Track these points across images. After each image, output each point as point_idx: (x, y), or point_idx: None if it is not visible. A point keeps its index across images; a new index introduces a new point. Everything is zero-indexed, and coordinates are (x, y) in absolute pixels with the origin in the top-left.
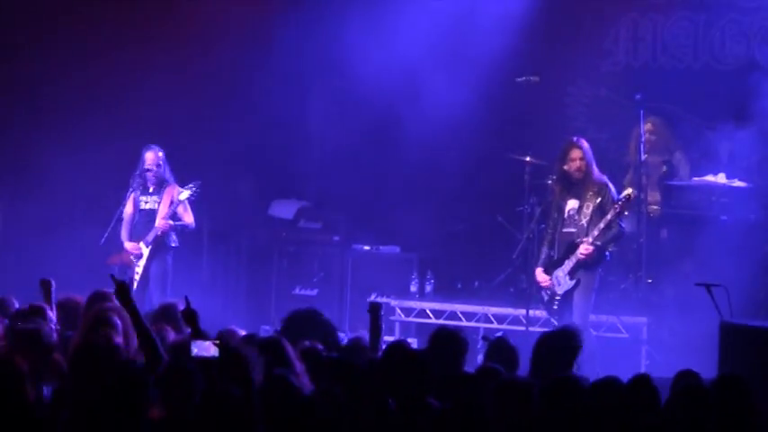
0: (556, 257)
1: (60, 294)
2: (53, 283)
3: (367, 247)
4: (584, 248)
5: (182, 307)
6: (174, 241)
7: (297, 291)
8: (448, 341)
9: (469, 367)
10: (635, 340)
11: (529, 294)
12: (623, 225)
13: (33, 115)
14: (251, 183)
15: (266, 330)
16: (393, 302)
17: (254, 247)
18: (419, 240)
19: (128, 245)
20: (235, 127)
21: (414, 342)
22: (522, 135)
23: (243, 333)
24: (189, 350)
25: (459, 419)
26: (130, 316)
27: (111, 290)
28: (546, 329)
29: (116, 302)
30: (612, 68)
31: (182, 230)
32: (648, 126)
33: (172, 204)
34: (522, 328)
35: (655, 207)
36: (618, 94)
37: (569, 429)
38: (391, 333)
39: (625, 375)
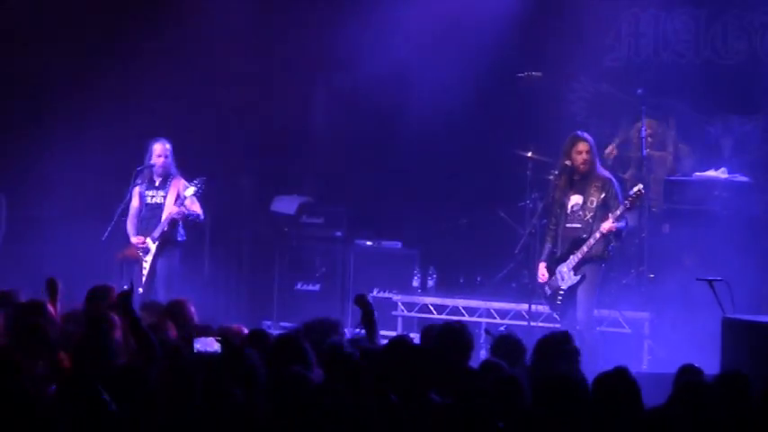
0: (559, 253)
1: (64, 291)
2: (59, 282)
3: (369, 243)
4: (607, 225)
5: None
6: (181, 236)
7: (299, 286)
8: (454, 337)
9: (473, 361)
10: (637, 335)
11: (531, 289)
12: (625, 223)
13: (35, 113)
14: (253, 178)
15: (268, 326)
16: (395, 297)
17: (256, 243)
18: (421, 235)
19: (134, 239)
20: (236, 123)
21: (416, 337)
22: (524, 130)
23: (245, 331)
24: (184, 350)
25: (461, 414)
26: (130, 326)
27: (112, 284)
28: (549, 325)
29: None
30: (614, 63)
31: (194, 221)
32: (647, 130)
33: (178, 198)
34: (525, 323)
35: (657, 202)
36: (620, 90)
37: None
38: (393, 328)
39: None
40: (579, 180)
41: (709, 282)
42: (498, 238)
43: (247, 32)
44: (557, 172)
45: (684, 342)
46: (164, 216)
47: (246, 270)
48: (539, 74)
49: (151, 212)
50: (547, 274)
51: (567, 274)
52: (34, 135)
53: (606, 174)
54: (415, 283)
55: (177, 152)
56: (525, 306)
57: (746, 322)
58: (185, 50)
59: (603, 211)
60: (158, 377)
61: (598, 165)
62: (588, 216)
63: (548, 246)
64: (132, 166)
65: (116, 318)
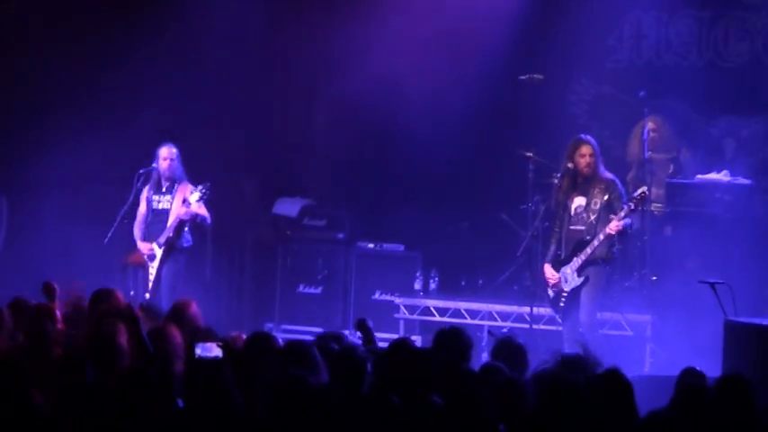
0: (563, 255)
1: (64, 293)
2: (56, 286)
3: (371, 245)
4: (615, 225)
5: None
6: (187, 241)
7: (301, 289)
8: (453, 339)
9: (475, 364)
10: (639, 338)
11: (533, 292)
12: (631, 221)
13: (36, 114)
14: (255, 181)
15: (269, 328)
16: (397, 300)
17: (258, 245)
18: (423, 238)
19: (141, 245)
20: (238, 125)
21: (418, 340)
22: (526, 133)
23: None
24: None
25: (461, 417)
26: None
27: (114, 287)
28: (551, 327)
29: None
30: (616, 66)
31: (201, 223)
32: (651, 125)
33: (185, 203)
34: (527, 326)
35: (659, 205)
36: (622, 92)
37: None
38: (395, 331)
39: (629, 373)
40: (583, 182)
41: (712, 284)
42: (500, 240)
43: (250, 35)
44: (559, 174)
45: (686, 345)
46: (170, 221)
47: (248, 272)
48: (540, 76)
49: (157, 217)
50: (556, 275)
51: (570, 276)
52: (35, 137)
53: (610, 175)
54: (417, 285)
55: (180, 154)
56: (527, 309)
57: (748, 325)
58: (187, 53)
59: (607, 212)
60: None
61: (601, 167)
62: (592, 218)
63: (552, 248)
64: (134, 168)
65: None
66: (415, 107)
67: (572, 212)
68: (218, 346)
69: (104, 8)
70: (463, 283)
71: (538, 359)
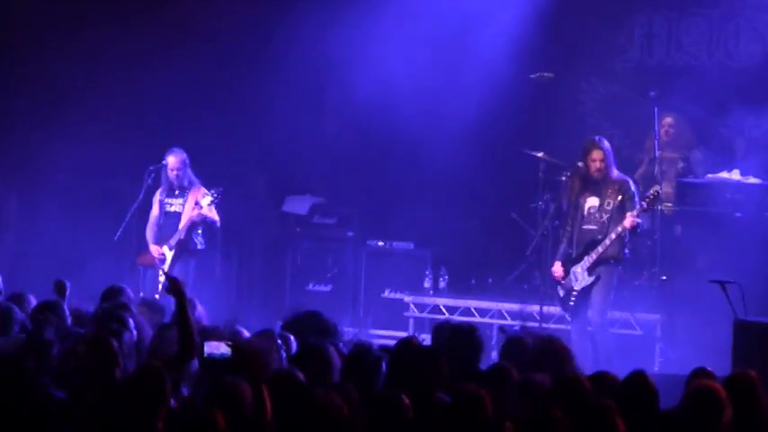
0: (574, 254)
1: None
2: (68, 284)
3: (381, 243)
4: (630, 221)
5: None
6: (200, 244)
7: (311, 287)
8: (464, 338)
9: (485, 362)
10: (649, 337)
11: (543, 291)
12: (641, 220)
13: (46, 113)
14: (265, 179)
15: (280, 326)
16: (407, 298)
17: (267, 243)
18: (433, 236)
19: (152, 248)
20: (248, 123)
21: (427, 338)
22: (536, 132)
23: (246, 334)
24: None
25: (467, 416)
26: (178, 309)
27: (124, 285)
28: (561, 326)
29: (128, 298)
30: (626, 65)
31: (210, 227)
32: (669, 120)
33: (196, 206)
34: (536, 325)
35: (669, 204)
36: (632, 91)
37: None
38: (405, 329)
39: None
40: (595, 183)
41: (722, 284)
42: (510, 239)
43: (259, 35)
44: (569, 173)
45: (696, 344)
46: (182, 224)
47: (258, 270)
48: (551, 75)
49: (168, 220)
50: (562, 271)
51: (581, 275)
52: (43, 135)
53: (622, 176)
54: (427, 284)
55: (189, 152)
56: (537, 307)
57: (759, 324)
58: (196, 50)
59: (620, 213)
60: None
61: (613, 169)
62: (604, 218)
63: (563, 247)
64: (143, 165)
65: (128, 318)
66: (426, 105)
67: (585, 212)
68: (227, 344)
69: (112, 7)
70: (473, 282)
71: None
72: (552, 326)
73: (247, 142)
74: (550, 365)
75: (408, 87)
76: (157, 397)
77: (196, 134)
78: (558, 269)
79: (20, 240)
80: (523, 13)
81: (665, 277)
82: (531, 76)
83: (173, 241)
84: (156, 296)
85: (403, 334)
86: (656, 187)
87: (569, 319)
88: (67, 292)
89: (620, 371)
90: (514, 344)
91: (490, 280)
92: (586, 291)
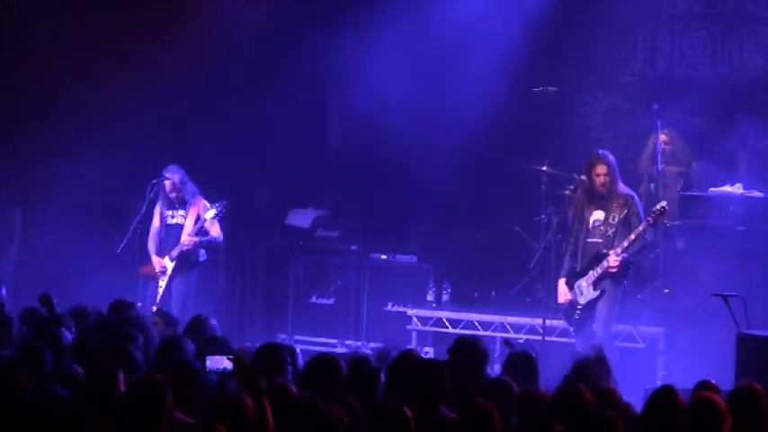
0: (579, 269)
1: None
2: (53, 297)
3: (384, 257)
4: (613, 260)
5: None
6: (202, 256)
7: (314, 300)
8: (469, 351)
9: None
10: (652, 350)
11: (546, 304)
12: (647, 236)
13: (51, 126)
14: (268, 192)
15: (283, 339)
16: (410, 311)
17: (271, 256)
18: (436, 249)
19: (154, 259)
20: (251, 137)
21: (430, 351)
22: (539, 145)
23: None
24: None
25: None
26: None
27: (132, 300)
28: (564, 339)
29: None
30: (630, 78)
31: (209, 245)
32: (664, 137)
33: (198, 220)
34: (539, 338)
35: (668, 220)
36: (635, 104)
37: None
38: (408, 342)
39: (641, 385)
40: (600, 197)
41: (725, 297)
42: (513, 252)
43: (263, 46)
44: (572, 187)
45: (699, 357)
46: (183, 236)
47: (261, 283)
48: (554, 88)
49: (170, 232)
50: (569, 295)
51: (586, 289)
52: (48, 147)
53: (628, 191)
54: (430, 297)
55: (192, 165)
56: (540, 320)
57: (761, 338)
58: (201, 63)
59: (625, 227)
60: None
61: (619, 183)
62: (610, 232)
63: (568, 261)
64: (147, 177)
65: (135, 333)
66: (429, 119)
67: (590, 226)
68: (228, 359)
69: (119, 20)
70: (476, 295)
71: (550, 372)
72: (555, 339)
73: (250, 156)
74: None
75: (411, 101)
76: (159, 410)
77: (199, 148)
78: (563, 290)
79: (23, 253)
80: (527, 26)
81: (667, 290)
82: (535, 89)
83: (174, 253)
84: (154, 308)
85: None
86: (663, 203)
87: (573, 332)
88: (54, 304)
89: (623, 384)
90: (518, 358)
91: (493, 293)
92: (591, 304)
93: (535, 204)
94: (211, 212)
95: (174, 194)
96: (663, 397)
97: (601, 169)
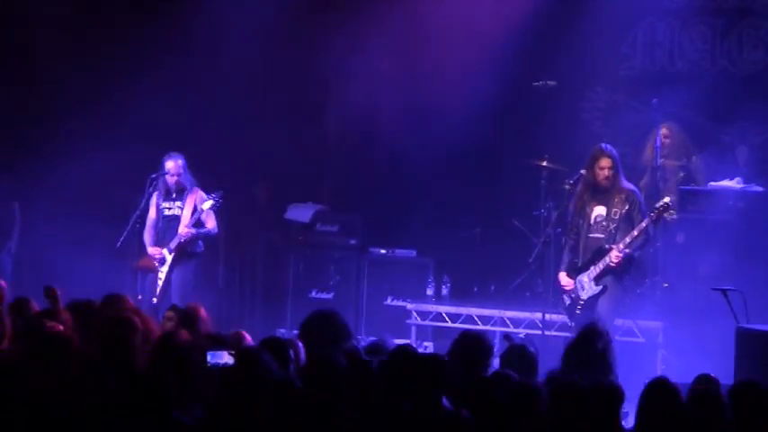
0: (580, 263)
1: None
2: (58, 290)
3: (383, 251)
4: (615, 256)
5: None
6: (199, 247)
7: (313, 294)
8: (474, 345)
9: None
10: (651, 344)
11: (545, 298)
12: (649, 230)
13: (49, 119)
14: (267, 187)
15: (282, 333)
16: (409, 306)
17: (270, 251)
18: (435, 244)
19: (151, 250)
20: (251, 130)
21: (430, 346)
22: (539, 139)
23: (249, 339)
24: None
25: (471, 423)
26: None
27: (125, 291)
28: (563, 333)
29: (131, 305)
30: (629, 73)
31: (205, 236)
32: (664, 131)
33: (195, 211)
34: (539, 332)
35: (671, 211)
36: (635, 99)
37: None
38: (407, 336)
39: (641, 379)
40: (602, 191)
41: (724, 291)
42: (512, 246)
43: (261, 41)
44: (571, 181)
45: (698, 352)
46: (181, 227)
47: (260, 278)
48: (554, 83)
49: (168, 224)
50: (571, 283)
51: (587, 285)
52: (47, 142)
53: (630, 186)
54: (429, 291)
55: (191, 159)
56: (539, 315)
57: (761, 332)
58: (200, 59)
59: (627, 222)
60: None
61: (621, 178)
62: (611, 227)
63: (568, 255)
64: (146, 172)
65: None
66: (428, 113)
67: (591, 221)
68: (229, 353)
69: (118, 14)
70: (475, 289)
71: (549, 366)
72: (555, 333)
73: (249, 150)
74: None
75: (411, 96)
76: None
77: (198, 142)
78: (565, 281)
79: (22, 248)
80: (526, 21)
81: (666, 285)
82: (535, 83)
83: (172, 244)
84: (154, 300)
85: (405, 342)
86: (667, 198)
87: (574, 328)
88: (59, 297)
89: (623, 378)
90: (517, 351)
91: (493, 287)
92: (593, 300)
93: (535, 199)
94: (208, 203)
95: (175, 178)
96: (657, 389)
97: (605, 162)
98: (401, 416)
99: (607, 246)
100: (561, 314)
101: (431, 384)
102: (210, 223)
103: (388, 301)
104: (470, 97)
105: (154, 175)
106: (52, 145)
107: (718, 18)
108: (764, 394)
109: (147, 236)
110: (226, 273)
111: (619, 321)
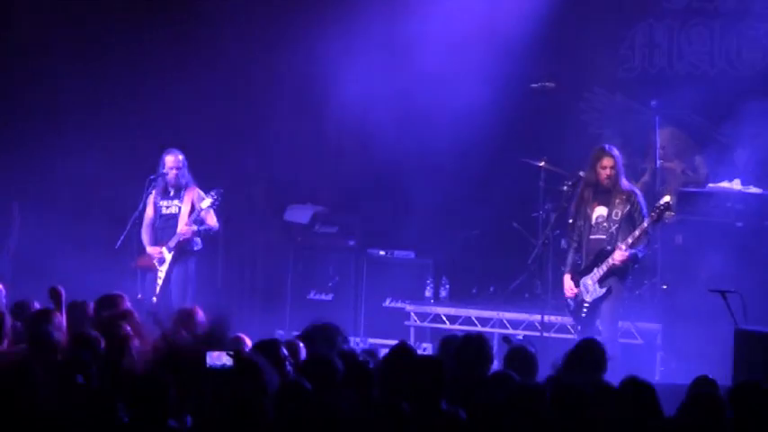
0: (583, 265)
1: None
2: (63, 291)
3: (382, 252)
4: (620, 255)
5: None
6: (197, 245)
7: (312, 295)
8: (476, 348)
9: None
10: (649, 346)
11: (544, 300)
12: (650, 230)
13: (49, 120)
14: (266, 188)
15: (281, 335)
16: (408, 307)
17: (269, 252)
18: (434, 245)
19: (150, 249)
20: (250, 132)
21: (428, 347)
22: (538, 140)
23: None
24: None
25: (472, 425)
26: None
27: (120, 292)
28: (562, 335)
29: (126, 305)
30: (628, 74)
31: (206, 233)
32: (661, 139)
33: (194, 209)
34: (537, 334)
35: (670, 213)
36: (633, 100)
37: None
38: (406, 338)
39: None
40: (604, 192)
41: (723, 293)
42: (511, 248)
43: (261, 44)
44: (570, 183)
45: (697, 353)
46: (179, 227)
47: (259, 279)
48: (552, 84)
49: (166, 222)
50: (575, 289)
51: (591, 287)
52: (47, 142)
53: (631, 187)
54: (428, 293)
55: (190, 160)
56: (538, 316)
57: (759, 334)
58: (199, 60)
59: (628, 223)
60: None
61: (622, 178)
62: (613, 228)
63: (570, 257)
64: (145, 172)
65: (128, 327)
66: (427, 115)
67: (593, 222)
68: (228, 355)
69: (119, 15)
70: (474, 291)
71: (549, 367)
72: (553, 335)
73: (249, 151)
74: None
75: (410, 97)
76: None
77: (198, 143)
78: (570, 287)
79: (22, 248)
80: (525, 22)
81: (665, 286)
82: (533, 85)
83: (172, 243)
84: (154, 299)
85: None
86: (667, 198)
87: (579, 330)
88: (63, 299)
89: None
90: (518, 353)
91: (492, 289)
92: (598, 302)
93: (533, 200)
94: (207, 201)
95: (174, 172)
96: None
97: (607, 161)
98: (401, 416)
99: (609, 247)
100: (560, 316)
101: (430, 386)
102: (211, 220)
103: (387, 303)
104: (470, 99)
105: (152, 177)
106: (52, 145)
107: (716, 19)
108: (766, 394)
109: (146, 235)
110: (225, 274)
111: (617, 323)
